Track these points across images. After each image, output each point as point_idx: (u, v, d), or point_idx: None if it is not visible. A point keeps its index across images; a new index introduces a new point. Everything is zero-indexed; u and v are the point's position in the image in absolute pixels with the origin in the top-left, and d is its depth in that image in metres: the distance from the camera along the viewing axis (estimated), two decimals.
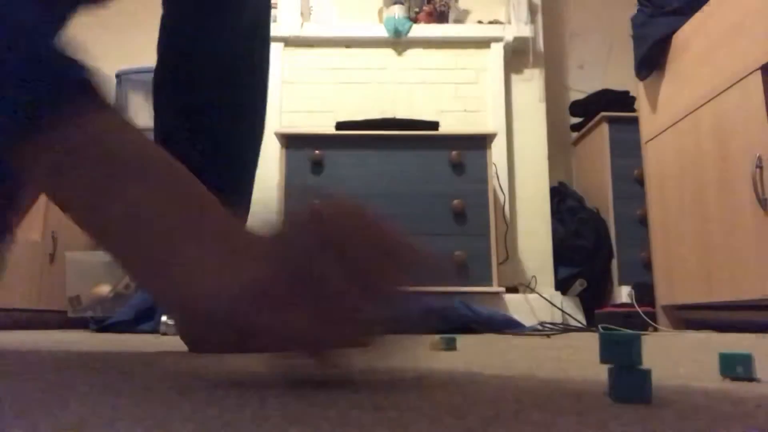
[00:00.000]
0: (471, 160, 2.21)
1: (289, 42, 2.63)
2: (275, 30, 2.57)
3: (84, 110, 0.37)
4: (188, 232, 0.35)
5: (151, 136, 0.70)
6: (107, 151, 0.37)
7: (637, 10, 1.99)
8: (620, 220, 2.42)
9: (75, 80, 0.38)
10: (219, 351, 0.48)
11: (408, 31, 2.63)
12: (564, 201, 2.61)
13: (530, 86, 2.73)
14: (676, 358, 0.54)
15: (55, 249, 2.10)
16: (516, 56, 2.72)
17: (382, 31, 2.64)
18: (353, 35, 2.64)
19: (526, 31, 2.67)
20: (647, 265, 2.15)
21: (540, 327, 1.50)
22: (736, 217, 1.51)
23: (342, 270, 0.30)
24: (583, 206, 2.59)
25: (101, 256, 1.49)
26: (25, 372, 0.39)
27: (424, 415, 0.22)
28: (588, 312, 2.26)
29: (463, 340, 0.79)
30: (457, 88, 2.66)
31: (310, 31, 2.64)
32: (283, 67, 2.60)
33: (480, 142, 2.23)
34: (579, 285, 2.34)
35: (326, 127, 2.48)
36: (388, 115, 2.51)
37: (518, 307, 2.20)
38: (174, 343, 0.85)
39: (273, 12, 2.59)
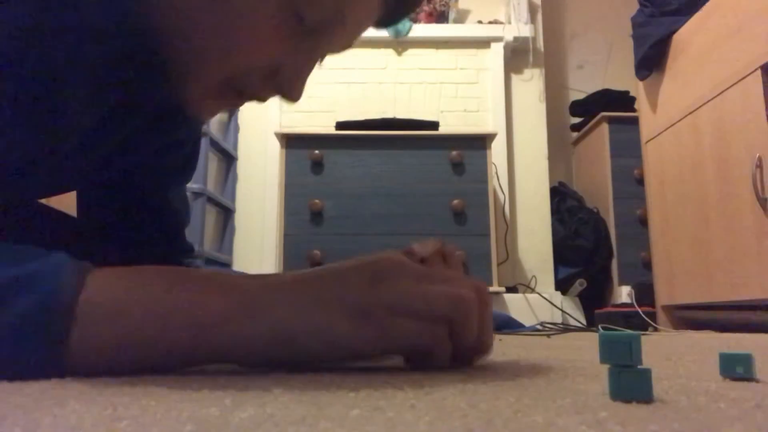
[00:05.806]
0: (471, 160, 2.21)
1: None
2: None
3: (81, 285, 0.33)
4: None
5: None
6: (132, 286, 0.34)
7: (637, 10, 1.99)
8: (620, 220, 2.42)
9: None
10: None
11: (408, 31, 2.63)
12: (564, 201, 2.61)
13: (530, 86, 2.73)
14: (676, 358, 0.54)
15: None
16: (516, 56, 2.72)
17: (382, 31, 2.64)
18: None
19: (526, 31, 2.67)
20: (647, 265, 2.15)
21: (540, 327, 1.50)
22: (736, 217, 1.51)
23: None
24: (583, 206, 2.59)
25: None
26: None
27: (423, 415, 0.22)
28: (588, 312, 2.26)
29: None
30: (457, 88, 2.65)
31: None
32: None
33: (480, 142, 2.23)
34: (579, 285, 2.34)
35: (326, 127, 2.48)
36: (388, 115, 2.51)
37: (518, 307, 2.20)
38: None
39: None
